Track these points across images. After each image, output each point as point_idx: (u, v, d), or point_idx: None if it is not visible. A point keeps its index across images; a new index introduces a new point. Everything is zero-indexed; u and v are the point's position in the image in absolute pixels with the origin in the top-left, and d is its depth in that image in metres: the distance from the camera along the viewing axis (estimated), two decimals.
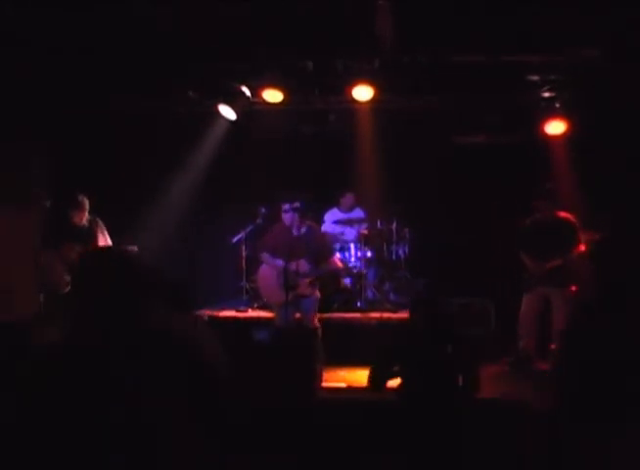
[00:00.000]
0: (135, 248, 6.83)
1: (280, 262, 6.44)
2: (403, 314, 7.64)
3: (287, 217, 6.50)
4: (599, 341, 2.39)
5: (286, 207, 6.49)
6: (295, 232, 6.51)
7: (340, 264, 6.97)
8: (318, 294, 6.64)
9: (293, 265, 6.32)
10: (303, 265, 6.40)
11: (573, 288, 6.36)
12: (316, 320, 6.58)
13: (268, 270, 6.63)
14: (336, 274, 7.56)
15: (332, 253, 6.85)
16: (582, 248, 6.33)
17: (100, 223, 6.81)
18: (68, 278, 6.19)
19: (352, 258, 8.06)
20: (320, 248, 6.61)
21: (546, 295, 6.47)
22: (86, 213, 6.68)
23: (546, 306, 6.50)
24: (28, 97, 6.82)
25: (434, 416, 3.37)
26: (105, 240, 6.79)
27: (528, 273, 6.56)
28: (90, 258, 2.43)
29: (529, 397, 4.68)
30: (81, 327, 2.19)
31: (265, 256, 6.66)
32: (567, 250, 6.35)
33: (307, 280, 6.44)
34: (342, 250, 7.96)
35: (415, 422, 3.47)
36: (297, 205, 6.46)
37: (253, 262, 7.58)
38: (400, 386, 4.14)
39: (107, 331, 2.16)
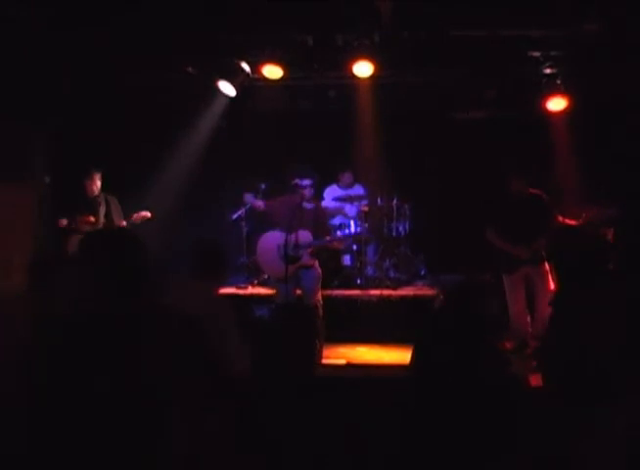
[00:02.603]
0: (148, 213, 7.18)
1: (274, 234, 6.51)
2: (403, 291, 7.69)
3: (307, 193, 6.49)
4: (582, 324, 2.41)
5: (305, 182, 6.51)
6: (304, 205, 6.50)
7: (338, 245, 7.00)
8: (319, 270, 6.61)
9: (292, 237, 6.30)
10: (304, 236, 6.37)
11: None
12: (319, 297, 6.54)
13: (268, 244, 6.61)
14: (334, 251, 7.56)
15: (329, 230, 6.94)
16: (568, 222, 6.23)
17: (115, 201, 7.28)
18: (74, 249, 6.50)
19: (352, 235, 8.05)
20: (322, 224, 6.67)
21: (528, 274, 6.31)
22: (98, 184, 7.16)
23: (530, 285, 6.35)
24: (27, 75, 6.79)
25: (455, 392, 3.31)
26: (119, 216, 7.03)
27: (508, 256, 6.31)
28: (98, 235, 2.53)
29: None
30: (92, 298, 2.27)
31: (261, 203, 6.79)
32: (545, 227, 6.17)
33: (309, 250, 6.43)
34: (341, 227, 7.94)
35: (430, 398, 3.44)
36: (313, 180, 6.56)
37: (254, 239, 7.60)
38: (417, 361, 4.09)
39: (114, 302, 2.22)
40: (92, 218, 7.02)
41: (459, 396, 3.13)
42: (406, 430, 3.31)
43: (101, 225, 6.99)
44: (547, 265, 6.12)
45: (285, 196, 6.74)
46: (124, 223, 7.14)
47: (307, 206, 6.54)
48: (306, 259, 6.44)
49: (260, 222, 7.77)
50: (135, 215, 7.15)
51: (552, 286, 5.98)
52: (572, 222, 6.34)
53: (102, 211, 7.12)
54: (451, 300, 3.73)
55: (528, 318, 6.40)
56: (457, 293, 3.71)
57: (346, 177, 8.55)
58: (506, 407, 3.04)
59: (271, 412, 3.62)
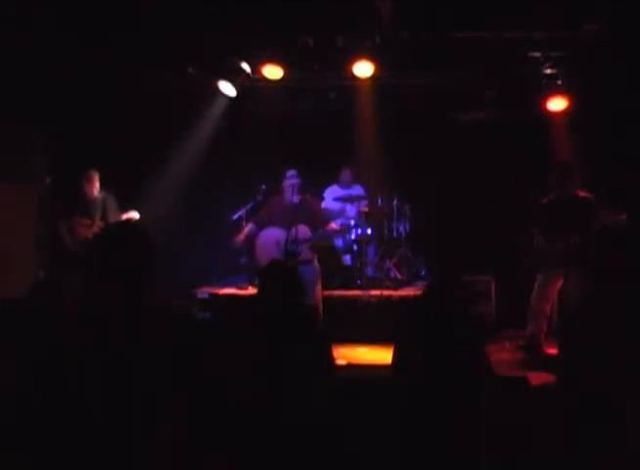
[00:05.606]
0: (137, 215, 7.14)
1: (273, 231, 6.50)
2: (403, 292, 7.67)
3: (291, 183, 6.50)
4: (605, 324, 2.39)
5: (290, 173, 6.55)
6: (292, 200, 6.51)
7: (335, 226, 6.97)
8: (317, 265, 6.58)
9: (292, 232, 6.29)
10: (303, 231, 6.38)
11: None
12: (319, 293, 6.53)
13: (267, 240, 6.61)
14: (333, 237, 7.52)
15: (328, 219, 6.90)
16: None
17: (113, 201, 7.16)
18: (75, 249, 6.84)
19: (352, 236, 8.05)
20: (316, 215, 6.65)
21: (560, 276, 5.99)
22: (97, 186, 7.07)
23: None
24: (27, 75, 6.80)
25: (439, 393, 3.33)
26: (115, 216, 7.03)
27: (538, 253, 6.21)
28: (108, 233, 2.50)
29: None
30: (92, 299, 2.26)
31: (250, 226, 6.79)
32: (583, 229, 5.88)
33: (308, 245, 6.41)
34: (342, 227, 7.92)
35: (416, 398, 3.46)
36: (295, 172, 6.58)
37: (254, 239, 7.60)
38: (398, 362, 4.12)
39: (116, 304, 2.21)
40: (88, 221, 6.96)
41: (440, 395, 3.14)
42: (406, 430, 3.31)
43: (97, 227, 6.92)
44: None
45: (271, 199, 6.85)
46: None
47: (295, 200, 6.52)
48: (305, 254, 6.42)
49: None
50: (124, 216, 7.03)
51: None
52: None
53: (98, 213, 7.01)
54: (429, 299, 3.73)
55: (544, 323, 6.24)
56: (435, 292, 3.71)
57: (346, 174, 8.54)
58: (489, 407, 3.04)
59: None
